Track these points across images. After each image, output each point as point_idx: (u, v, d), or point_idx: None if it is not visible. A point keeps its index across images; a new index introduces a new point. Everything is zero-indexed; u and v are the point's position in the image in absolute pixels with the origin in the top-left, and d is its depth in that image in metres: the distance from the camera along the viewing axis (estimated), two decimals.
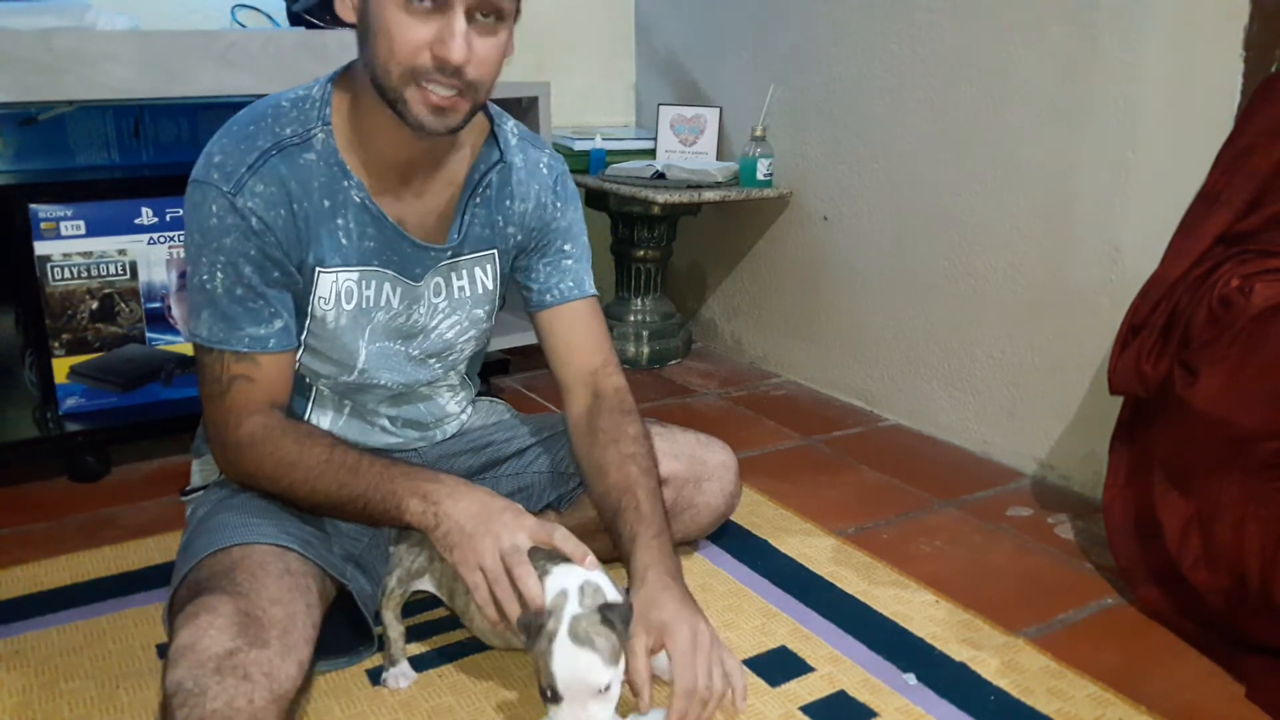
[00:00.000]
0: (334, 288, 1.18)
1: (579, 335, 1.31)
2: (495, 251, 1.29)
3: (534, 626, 0.98)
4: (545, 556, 1.07)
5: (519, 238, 1.30)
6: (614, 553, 1.19)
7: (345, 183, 1.15)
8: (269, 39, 1.76)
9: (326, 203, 1.14)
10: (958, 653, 1.33)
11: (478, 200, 1.24)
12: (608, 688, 0.96)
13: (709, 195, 2.30)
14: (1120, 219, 1.73)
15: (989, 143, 1.92)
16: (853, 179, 2.24)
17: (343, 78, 1.17)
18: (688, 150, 2.56)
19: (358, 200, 1.15)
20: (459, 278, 1.27)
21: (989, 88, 1.91)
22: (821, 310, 2.39)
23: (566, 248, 1.31)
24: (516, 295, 1.37)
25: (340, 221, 1.15)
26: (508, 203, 1.27)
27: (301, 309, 1.18)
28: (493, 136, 1.24)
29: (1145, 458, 1.43)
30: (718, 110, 2.55)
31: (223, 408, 1.14)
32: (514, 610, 1.03)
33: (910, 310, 2.16)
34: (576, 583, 1.02)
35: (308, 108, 1.14)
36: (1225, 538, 1.28)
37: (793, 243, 2.44)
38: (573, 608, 0.99)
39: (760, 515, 1.72)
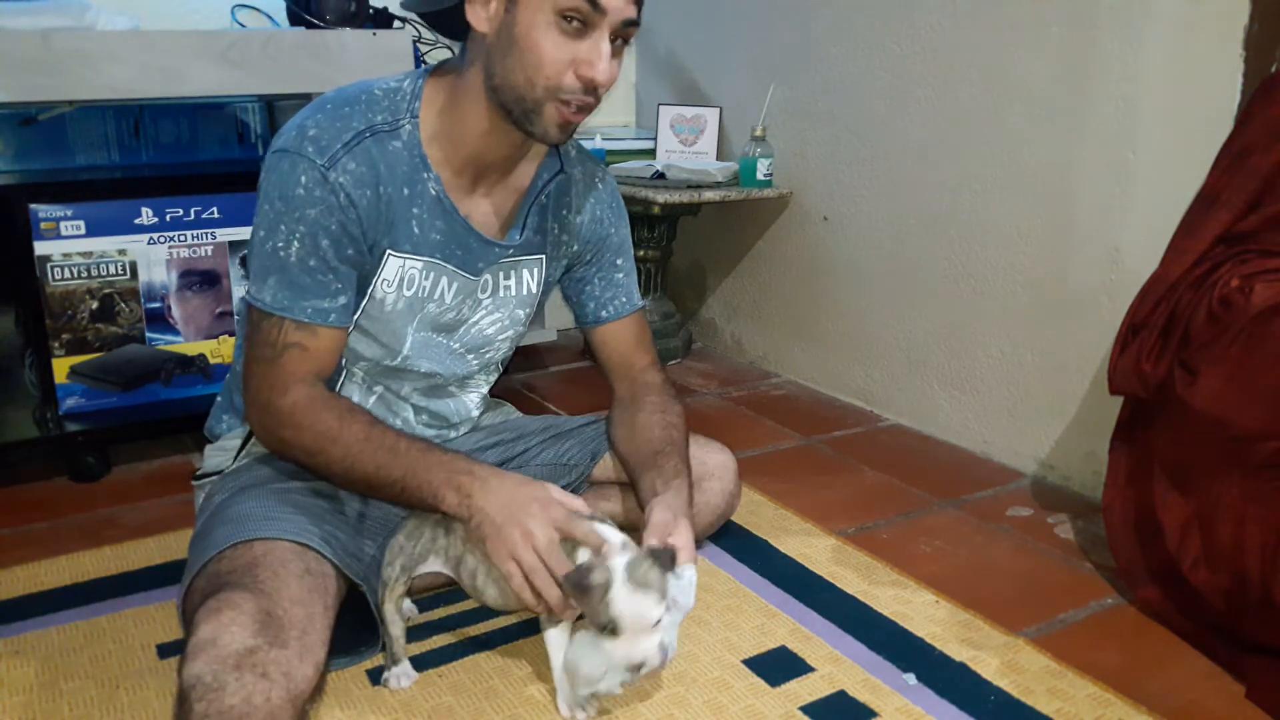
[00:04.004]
0: (399, 272, 1.21)
1: (630, 345, 1.42)
2: (544, 257, 1.33)
3: (581, 582, 1.05)
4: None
5: (575, 248, 1.36)
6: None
7: (425, 175, 1.18)
8: (269, 39, 1.76)
9: (406, 190, 1.17)
10: (958, 653, 1.33)
11: (536, 206, 1.29)
12: (658, 622, 1.06)
13: (709, 195, 2.30)
14: (1120, 219, 1.73)
15: (989, 143, 1.92)
16: (853, 179, 2.24)
17: (436, 75, 1.20)
18: (688, 150, 2.56)
19: (433, 193, 1.19)
20: (506, 277, 1.31)
21: (989, 88, 1.91)
22: (821, 310, 2.39)
23: (619, 262, 1.40)
24: None
25: (415, 210, 1.19)
26: (565, 212, 1.33)
27: (362, 289, 1.21)
28: (554, 147, 1.28)
29: (1145, 458, 1.43)
30: (718, 110, 2.55)
31: (272, 372, 1.16)
32: (552, 595, 1.09)
33: (910, 310, 2.16)
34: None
35: (398, 99, 1.18)
36: (1225, 538, 1.28)
37: (793, 243, 2.44)
38: (615, 565, 1.06)
39: (760, 515, 1.72)
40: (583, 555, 1.11)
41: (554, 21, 1.07)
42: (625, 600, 1.04)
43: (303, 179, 1.11)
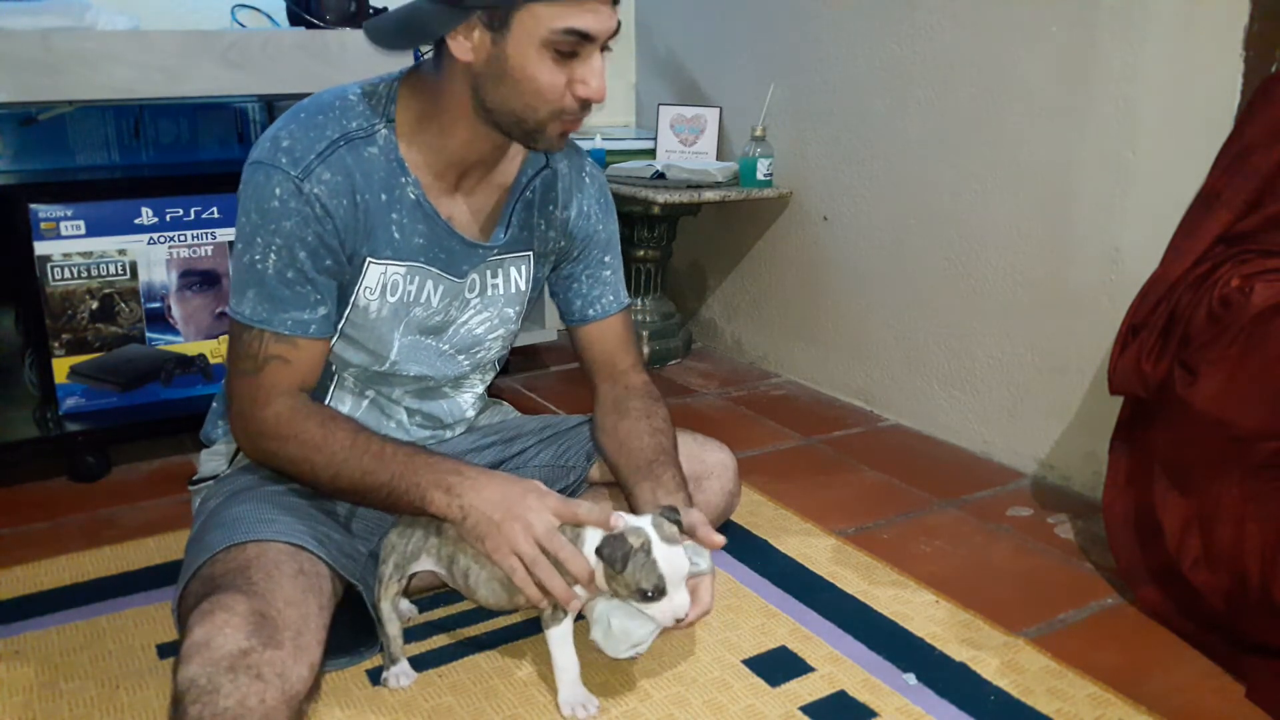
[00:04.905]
0: (381, 279, 1.20)
1: (615, 345, 1.40)
2: (531, 253, 1.32)
3: (621, 551, 1.07)
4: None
5: (562, 244, 1.34)
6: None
7: (402, 179, 1.17)
8: (269, 39, 1.76)
9: (384, 196, 1.17)
10: (958, 653, 1.33)
11: (522, 203, 1.28)
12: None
13: (709, 195, 2.30)
14: (1120, 219, 1.73)
15: (989, 143, 1.92)
16: (853, 179, 2.24)
17: (410, 79, 1.19)
18: (688, 150, 2.56)
19: (412, 197, 1.18)
20: (494, 276, 1.31)
21: (989, 88, 1.91)
22: (821, 310, 2.39)
23: (607, 259, 1.38)
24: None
25: (394, 216, 1.18)
26: (551, 208, 1.31)
27: (344, 297, 1.21)
28: None
29: (1145, 458, 1.43)
30: (718, 110, 2.55)
31: (253, 384, 1.16)
32: (556, 584, 1.10)
33: (910, 310, 2.16)
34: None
35: (373, 103, 1.17)
36: (1225, 538, 1.28)
37: (793, 243, 2.44)
38: (643, 525, 1.10)
39: (760, 515, 1.72)
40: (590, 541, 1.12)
41: (547, 51, 1.08)
42: (665, 559, 1.08)
43: (277, 191, 1.11)
